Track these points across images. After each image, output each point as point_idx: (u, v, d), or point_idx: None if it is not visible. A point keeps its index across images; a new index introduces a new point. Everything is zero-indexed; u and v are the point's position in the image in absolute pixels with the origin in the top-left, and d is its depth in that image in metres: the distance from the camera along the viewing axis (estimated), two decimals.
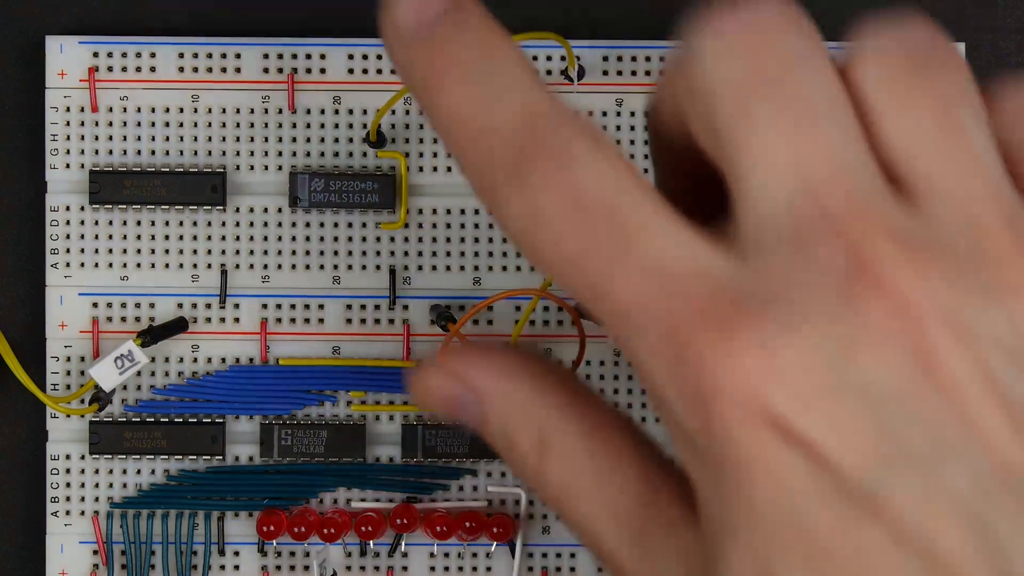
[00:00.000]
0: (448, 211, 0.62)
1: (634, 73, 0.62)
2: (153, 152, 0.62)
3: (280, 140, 0.62)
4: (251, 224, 0.62)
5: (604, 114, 0.62)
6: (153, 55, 0.62)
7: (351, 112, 0.62)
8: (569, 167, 0.38)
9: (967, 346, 0.36)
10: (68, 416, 0.62)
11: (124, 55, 0.62)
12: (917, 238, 0.37)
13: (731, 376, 0.36)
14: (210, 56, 0.62)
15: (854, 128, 0.38)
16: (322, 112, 0.62)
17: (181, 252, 0.62)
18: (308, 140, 0.62)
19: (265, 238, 0.62)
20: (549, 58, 0.62)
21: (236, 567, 0.63)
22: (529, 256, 0.39)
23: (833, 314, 0.36)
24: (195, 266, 0.62)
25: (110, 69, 0.62)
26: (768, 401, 0.36)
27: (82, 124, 0.62)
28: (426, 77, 0.40)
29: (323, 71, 0.62)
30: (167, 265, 0.62)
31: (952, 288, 0.36)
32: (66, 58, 0.62)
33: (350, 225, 0.62)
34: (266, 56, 0.62)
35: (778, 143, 0.38)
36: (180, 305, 0.62)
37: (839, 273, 0.36)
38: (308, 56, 0.62)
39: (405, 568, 0.63)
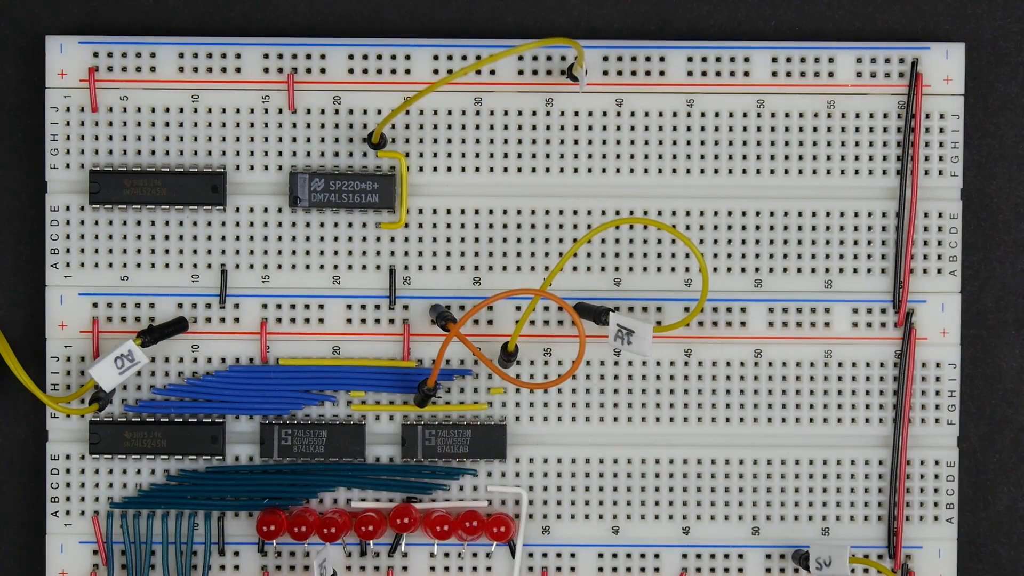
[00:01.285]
0: (448, 211, 0.62)
1: (634, 73, 0.62)
2: (153, 152, 0.62)
3: (280, 140, 0.62)
4: (251, 224, 0.62)
5: (604, 114, 0.62)
6: (153, 55, 0.62)
7: (351, 112, 0.62)
8: None
9: None
10: (68, 416, 0.62)
11: (124, 55, 0.62)
12: None
13: None
14: (210, 56, 0.62)
15: None
16: (322, 112, 0.62)
17: (181, 252, 0.62)
18: (308, 140, 0.62)
19: (265, 238, 0.62)
20: (550, 58, 0.62)
21: (236, 567, 0.63)
22: None
23: None
24: (195, 266, 0.62)
25: (110, 69, 0.62)
26: None
27: (82, 124, 0.62)
28: None
29: (323, 71, 0.62)
30: (167, 265, 0.62)
31: None
32: (66, 58, 0.62)
33: (350, 225, 0.62)
34: (266, 56, 0.62)
35: None
36: (180, 305, 0.62)
37: None
38: (308, 56, 0.62)
39: (405, 568, 0.63)
